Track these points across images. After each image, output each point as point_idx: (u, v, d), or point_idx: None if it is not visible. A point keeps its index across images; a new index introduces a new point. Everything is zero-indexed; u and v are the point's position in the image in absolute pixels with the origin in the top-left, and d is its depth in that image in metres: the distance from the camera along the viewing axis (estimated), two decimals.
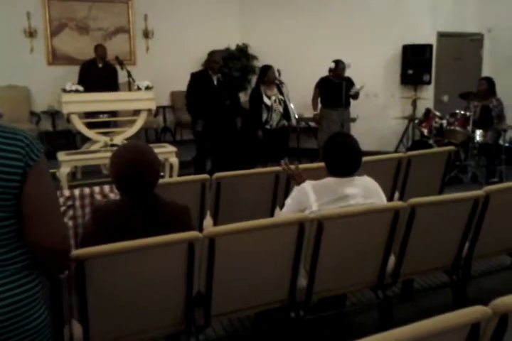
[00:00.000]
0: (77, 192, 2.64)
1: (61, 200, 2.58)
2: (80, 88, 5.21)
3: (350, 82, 5.87)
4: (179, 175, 5.08)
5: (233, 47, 7.95)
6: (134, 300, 1.92)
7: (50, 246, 1.29)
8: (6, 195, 1.26)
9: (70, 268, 1.62)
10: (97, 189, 2.69)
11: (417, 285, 3.19)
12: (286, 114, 5.58)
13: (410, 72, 7.12)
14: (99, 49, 6.68)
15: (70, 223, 2.59)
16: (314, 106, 6.04)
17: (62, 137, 6.78)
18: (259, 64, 7.65)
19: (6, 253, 1.27)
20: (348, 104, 5.95)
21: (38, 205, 1.29)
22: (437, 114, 6.01)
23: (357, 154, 2.45)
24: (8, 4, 6.75)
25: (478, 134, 5.65)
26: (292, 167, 2.70)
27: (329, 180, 2.44)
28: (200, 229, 2.83)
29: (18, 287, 1.27)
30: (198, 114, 5.45)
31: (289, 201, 2.55)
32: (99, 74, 6.50)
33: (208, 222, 3.13)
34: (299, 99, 6.11)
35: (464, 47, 7.38)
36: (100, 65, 6.67)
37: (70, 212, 2.59)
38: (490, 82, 5.84)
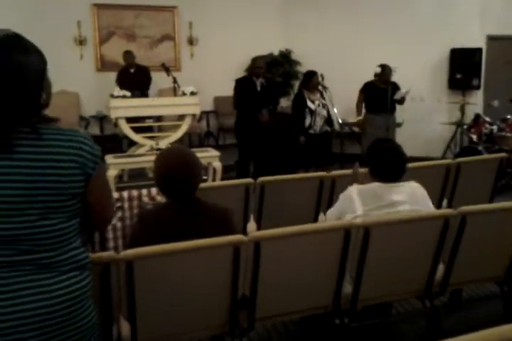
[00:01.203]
0: (125, 194, 2.70)
1: None
2: (128, 93, 5.35)
3: (395, 87, 5.77)
4: (222, 179, 5.12)
5: (276, 52, 7.97)
6: (181, 301, 1.95)
7: (105, 226, 1.76)
8: (63, 195, 1.29)
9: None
10: (144, 191, 2.74)
11: (465, 295, 3.08)
12: (328, 119, 5.54)
13: (458, 76, 6.94)
14: (128, 55, 6.85)
15: (119, 224, 2.65)
16: (358, 111, 5.97)
17: (110, 141, 6.95)
18: (302, 69, 7.64)
19: (59, 255, 1.30)
20: (393, 110, 5.85)
21: (100, 202, 1.43)
22: (487, 119, 5.83)
23: (402, 158, 2.42)
24: (59, 13, 7.01)
25: None
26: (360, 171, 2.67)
27: (375, 185, 2.41)
28: (244, 232, 2.83)
29: (68, 286, 1.31)
30: (250, 110, 5.44)
31: (334, 206, 2.53)
32: (133, 79, 6.64)
33: (251, 225, 3.13)
34: (343, 104, 6.05)
35: None
36: (132, 70, 6.82)
37: (119, 214, 2.65)
38: None
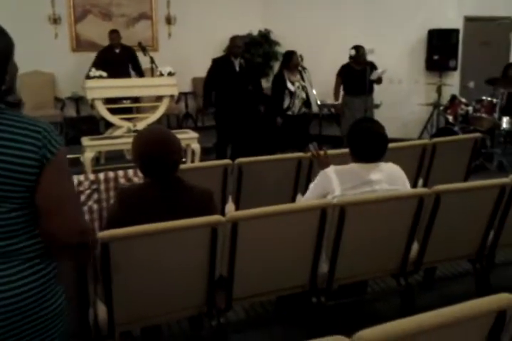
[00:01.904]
0: (101, 176, 2.67)
1: (86, 184, 2.62)
2: (104, 74, 5.25)
3: (373, 67, 5.76)
4: (201, 160, 5.10)
5: (255, 33, 7.88)
6: (158, 282, 1.95)
7: (65, 239, 1.28)
8: (17, 186, 1.24)
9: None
10: (121, 173, 2.72)
11: (439, 273, 3.16)
12: (307, 100, 5.54)
13: (436, 57, 6.96)
14: (114, 35, 6.65)
15: (95, 206, 2.63)
16: (336, 95, 5.96)
17: (86, 123, 6.85)
18: (281, 50, 7.57)
19: (17, 244, 1.27)
20: (371, 91, 5.86)
21: (55, 199, 1.27)
22: (463, 100, 5.89)
23: (382, 139, 2.40)
24: None
25: (505, 121, 5.53)
26: (321, 152, 2.68)
27: (353, 166, 2.42)
28: (223, 213, 2.84)
29: (30, 275, 1.28)
30: (209, 102, 5.48)
31: (311, 186, 2.53)
32: (118, 59, 6.47)
33: (229, 207, 3.14)
34: (322, 85, 6.03)
35: (491, 31, 7.17)
36: (117, 51, 6.67)
37: (95, 196, 2.63)
38: None
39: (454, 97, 5.99)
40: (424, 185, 3.55)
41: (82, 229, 1.32)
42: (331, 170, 2.42)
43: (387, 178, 2.41)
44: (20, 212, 1.27)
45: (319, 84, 5.82)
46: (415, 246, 2.50)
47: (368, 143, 2.38)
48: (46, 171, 1.25)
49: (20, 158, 1.23)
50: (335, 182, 2.37)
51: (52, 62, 6.98)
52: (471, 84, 6.09)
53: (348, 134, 2.51)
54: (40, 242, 1.31)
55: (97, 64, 6.28)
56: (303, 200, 2.70)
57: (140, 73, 6.54)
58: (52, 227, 1.27)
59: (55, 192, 1.26)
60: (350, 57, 5.75)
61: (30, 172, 1.24)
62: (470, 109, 5.74)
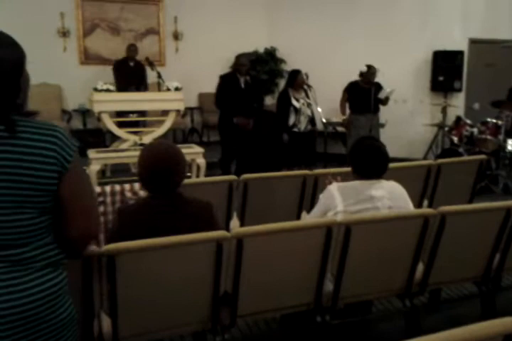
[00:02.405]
0: (108, 188, 2.68)
1: None
2: (112, 87, 5.29)
3: (379, 87, 5.82)
4: (206, 175, 5.11)
5: (261, 50, 7.97)
6: (162, 297, 1.94)
7: (84, 237, 1.38)
8: (37, 191, 1.26)
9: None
10: (127, 186, 2.72)
11: (444, 295, 3.13)
12: (312, 118, 5.57)
13: (441, 78, 7.03)
14: (132, 48, 6.77)
15: (101, 219, 2.63)
16: (342, 110, 6.01)
17: (93, 135, 6.88)
18: (287, 67, 7.66)
19: (31, 251, 1.27)
20: (376, 110, 5.90)
21: (77, 202, 1.32)
22: (468, 122, 5.92)
23: (384, 156, 2.46)
24: (42, 5, 6.89)
25: (510, 143, 5.53)
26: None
27: (355, 183, 2.44)
28: (227, 229, 2.83)
29: (42, 283, 1.28)
30: (232, 112, 5.43)
31: (316, 206, 2.55)
32: (131, 73, 6.58)
33: (234, 222, 3.13)
34: (327, 103, 6.08)
35: (496, 54, 7.24)
36: (132, 64, 6.76)
37: (101, 208, 2.63)
38: None
39: (459, 118, 6.02)
40: (429, 206, 3.54)
41: (96, 229, 1.39)
42: (334, 187, 2.44)
43: (389, 195, 2.42)
44: (38, 219, 1.29)
45: (324, 102, 5.87)
46: (420, 267, 2.48)
47: (370, 159, 2.43)
48: (67, 174, 1.28)
49: (41, 163, 1.25)
50: (337, 199, 2.39)
51: (60, 75, 7.06)
52: (476, 106, 6.12)
53: (349, 151, 2.55)
54: (53, 250, 1.33)
55: (118, 76, 6.37)
56: (308, 217, 2.70)
57: (146, 89, 6.59)
58: (76, 225, 1.33)
59: (77, 192, 1.32)
60: (361, 74, 5.80)
61: (51, 177, 1.26)
62: (475, 130, 5.76)
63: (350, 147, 2.62)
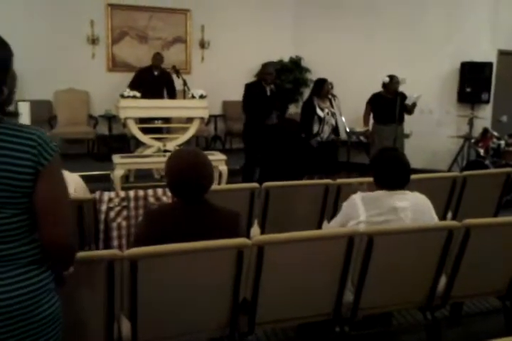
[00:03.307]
0: (131, 193, 2.71)
1: (116, 201, 2.66)
2: (138, 94, 5.37)
3: (403, 97, 5.76)
4: (228, 183, 5.13)
5: (286, 59, 8.00)
6: (182, 302, 1.95)
7: (58, 239, 1.34)
8: (15, 193, 1.29)
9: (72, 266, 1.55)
10: (150, 191, 2.75)
11: (466, 309, 3.07)
12: (335, 127, 5.56)
13: (468, 89, 6.94)
14: (158, 57, 6.87)
15: (124, 223, 2.66)
16: (365, 122, 5.98)
17: (118, 141, 6.99)
18: (311, 77, 7.66)
19: (15, 248, 1.31)
20: (401, 120, 5.84)
21: (49, 205, 1.32)
22: (495, 134, 5.83)
23: (405, 166, 2.46)
24: (73, 13, 7.06)
25: None
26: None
27: (379, 193, 2.43)
28: (248, 236, 2.83)
29: (25, 280, 1.31)
30: (258, 119, 5.47)
31: (338, 215, 2.55)
32: (155, 82, 6.67)
33: (255, 230, 3.14)
34: (351, 113, 6.06)
35: None
36: (156, 73, 6.84)
37: (124, 213, 2.66)
38: None
39: (486, 130, 5.93)
40: (453, 218, 3.49)
41: (68, 233, 1.37)
42: (357, 197, 2.43)
43: (413, 207, 2.40)
44: (21, 217, 1.32)
45: (348, 112, 5.85)
46: (443, 280, 2.44)
47: (392, 170, 2.43)
48: (42, 177, 1.30)
49: (18, 166, 1.28)
50: (360, 209, 2.38)
51: (87, 81, 7.21)
52: (504, 118, 6.03)
53: (372, 162, 2.54)
54: (38, 247, 1.35)
55: (135, 82, 6.46)
56: (329, 226, 2.70)
57: (173, 97, 6.67)
58: (47, 232, 1.33)
59: (50, 195, 1.32)
60: (383, 85, 5.77)
61: (27, 179, 1.29)
62: (502, 143, 5.67)
63: (372, 158, 2.62)
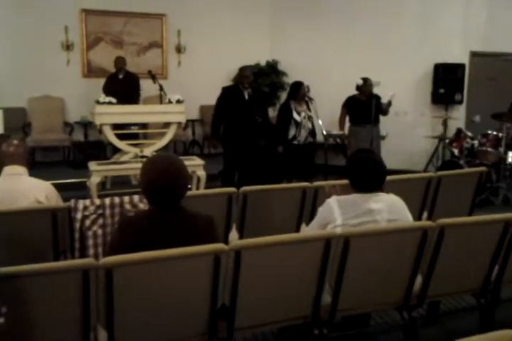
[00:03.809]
0: (107, 201, 2.68)
1: (91, 209, 2.63)
2: (113, 100, 5.33)
3: (378, 99, 5.83)
4: (206, 187, 5.12)
5: (263, 63, 8.03)
6: (159, 310, 1.94)
7: None
8: None
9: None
10: (126, 198, 2.73)
11: (443, 308, 3.12)
12: (313, 130, 5.60)
13: (441, 91, 7.06)
14: (117, 60, 6.80)
15: (100, 231, 2.63)
16: (341, 125, 6.02)
17: (94, 147, 6.92)
18: (288, 80, 7.71)
19: None
20: (377, 121, 5.90)
21: None
22: (469, 134, 5.94)
23: (380, 169, 2.46)
24: (47, 18, 6.99)
25: (511, 156, 5.54)
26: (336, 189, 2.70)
27: (354, 196, 2.45)
28: (226, 241, 2.83)
29: None
30: (218, 131, 5.53)
31: (314, 219, 2.56)
32: (120, 86, 6.57)
33: (233, 235, 3.13)
34: (328, 115, 6.11)
35: (497, 67, 7.29)
36: (121, 76, 6.79)
37: (100, 221, 2.63)
38: None
39: (459, 131, 6.04)
40: (429, 218, 3.54)
41: None
42: (333, 200, 2.45)
43: (388, 208, 2.42)
44: None
45: (325, 115, 5.89)
46: (419, 280, 2.48)
47: (367, 172, 2.43)
48: None
49: None
50: (336, 212, 2.39)
51: (62, 88, 7.14)
52: (477, 118, 6.15)
53: (346, 165, 2.55)
54: None
55: (104, 88, 6.41)
56: (306, 230, 2.71)
57: (134, 100, 6.52)
58: None
59: None
60: (357, 88, 5.84)
61: None
62: (476, 142, 5.78)
63: (347, 160, 2.63)
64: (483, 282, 2.63)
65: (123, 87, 6.58)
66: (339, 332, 2.39)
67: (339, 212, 2.39)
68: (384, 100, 5.75)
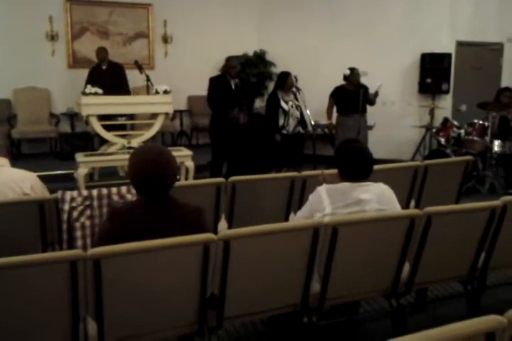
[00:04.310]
0: (95, 192, 2.67)
1: (79, 200, 2.62)
2: (100, 91, 5.27)
3: (366, 89, 5.84)
4: (195, 178, 5.11)
5: (251, 53, 7.99)
6: (149, 300, 1.94)
7: None
8: None
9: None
10: (114, 190, 2.71)
11: (430, 295, 3.16)
12: (302, 120, 5.59)
13: (428, 80, 7.09)
14: (99, 51, 6.67)
15: (88, 222, 2.62)
16: (329, 115, 6.04)
17: (81, 139, 6.85)
18: (276, 70, 7.69)
19: None
20: (364, 111, 5.92)
21: None
22: (455, 123, 5.98)
23: (368, 157, 2.49)
24: (31, 8, 6.88)
25: (497, 144, 5.59)
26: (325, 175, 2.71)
27: (343, 185, 2.46)
28: (215, 231, 2.84)
29: None
30: (224, 113, 5.44)
31: (303, 207, 2.57)
32: (104, 76, 6.44)
33: (222, 225, 3.14)
34: (316, 105, 6.12)
35: (483, 56, 7.33)
36: (104, 67, 6.68)
37: (88, 212, 2.62)
38: None
39: (446, 120, 6.07)
40: (416, 207, 3.57)
41: None
42: (322, 189, 2.46)
43: (377, 198, 2.44)
44: None
45: (313, 105, 5.90)
46: (407, 267, 2.50)
47: (355, 161, 2.46)
48: None
49: None
50: (326, 201, 2.41)
51: (48, 79, 7.05)
52: (463, 108, 6.19)
53: (335, 155, 2.57)
54: None
55: (89, 81, 6.31)
56: (295, 218, 2.72)
57: (124, 90, 6.43)
58: None
59: None
60: (344, 78, 5.84)
61: None
62: (462, 131, 5.82)
63: (335, 150, 2.64)
64: (469, 269, 2.66)
65: (108, 77, 6.47)
66: (328, 320, 2.42)
67: (328, 202, 2.40)
68: (371, 91, 5.77)
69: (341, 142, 2.68)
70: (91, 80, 6.26)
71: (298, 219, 2.61)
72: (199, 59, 7.60)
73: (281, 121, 5.50)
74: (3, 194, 2.58)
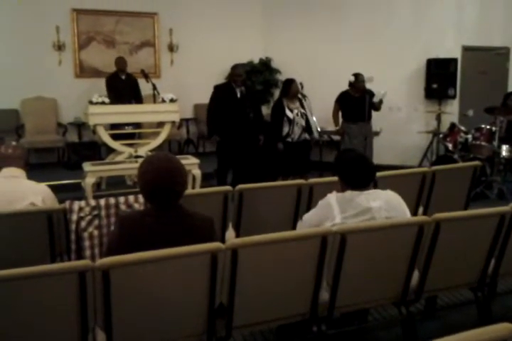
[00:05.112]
0: (102, 201, 2.67)
1: (87, 210, 2.62)
2: (106, 100, 5.30)
3: (372, 95, 5.83)
4: (202, 186, 5.11)
5: (256, 60, 8.02)
6: (157, 310, 1.93)
7: None
8: None
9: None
10: (122, 199, 2.72)
11: (440, 302, 3.13)
12: (308, 127, 5.59)
13: (435, 86, 7.07)
14: (120, 61, 6.77)
15: (96, 232, 2.62)
16: (335, 121, 6.03)
17: (88, 148, 6.89)
18: (281, 77, 7.70)
19: None
20: (369, 118, 5.91)
21: None
22: (462, 128, 5.95)
23: (368, 164, 2.52)
24: (38, 18, 6.96)
25: (505, 149, 5.57)
26: None
27: (351, 193, 2.45)
28: (222, 240, 2.83)
29: None
30: (214, 130, 5.51)
31: (312, 211, 2.56)
32: (124, 86, 6.59)
33: (230, 233, 3.13)
34: (322, 112, 6.11)
35: (489, 61, 7.31)
36: (123, 77, 6.76)
37: (96, 222, 2.63)
38: None
39: (453, 125, 6.05)
40: (424, 213, 3.55)
41: None
42: (332, 197, 2.45)
43: (386, 206, 2.43)
44: None
45: (319, 112, 5.90)
46: (416, 275, 2.48)
47: (356, 170, 2.47)
48: None
49: None
50: (336, 210, 2.40)
51: (55, 88, 7.11)
52: (470, 113, 6.17)
53: (335, 165, 2.58)
54: None
55: (111, 90, 6.37)
56: (303, 223, 2.72)
57: (140, 101, 6.59)
58: None
59: None
60: (350, 84, 5.84)
61: None
62: (469, 137, 5.80)
63: (335, 160, 2.65)
64: (479, 276, 2.64)
65: (127, 88, 6.58)
66: (338, 329, 2.40)
67: (338, 210, 2.39)
68: (376, 98, 5.75)
69: (339, 152, 2.71)
70: (113, 89, 6.32)
71: (305, 223, 2.60)
72: (205, 67, 7.64)
73: (285, 130, 5.50)
74: (13, 205, 2.59)
